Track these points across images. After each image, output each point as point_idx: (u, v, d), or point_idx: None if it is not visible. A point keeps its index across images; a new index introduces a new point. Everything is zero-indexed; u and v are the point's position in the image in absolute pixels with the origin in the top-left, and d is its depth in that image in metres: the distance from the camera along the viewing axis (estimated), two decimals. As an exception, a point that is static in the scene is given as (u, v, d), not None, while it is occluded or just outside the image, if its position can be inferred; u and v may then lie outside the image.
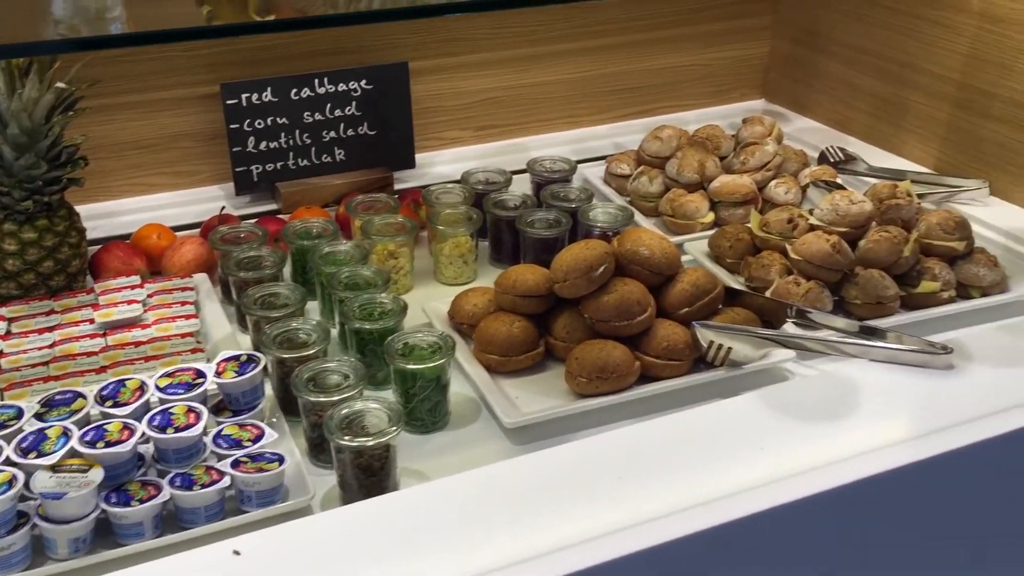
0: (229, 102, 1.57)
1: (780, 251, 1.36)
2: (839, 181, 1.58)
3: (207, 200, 1.63)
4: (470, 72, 1.79)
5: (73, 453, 0.96)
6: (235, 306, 1.35)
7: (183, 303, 1.32)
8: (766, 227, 1.40)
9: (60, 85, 1.27)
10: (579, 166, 1.69)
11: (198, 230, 1.52)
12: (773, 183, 1.56)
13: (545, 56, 1.84)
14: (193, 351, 1.22)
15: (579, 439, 1.07)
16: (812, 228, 1.36)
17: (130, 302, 1.30)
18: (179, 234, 1.50)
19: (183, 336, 1.25)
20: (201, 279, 1.40)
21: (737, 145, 1.65)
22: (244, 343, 1.29)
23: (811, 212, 1.40)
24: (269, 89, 1.59)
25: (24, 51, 1.22)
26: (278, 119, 1.61)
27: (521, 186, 1.62)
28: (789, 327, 1.24)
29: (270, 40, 1.62)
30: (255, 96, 1.58)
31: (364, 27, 1.67)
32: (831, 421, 1.05)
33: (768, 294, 1.30)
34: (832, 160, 1.71)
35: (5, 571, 0.90)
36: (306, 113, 1.62)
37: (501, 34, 1.79)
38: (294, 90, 1.60)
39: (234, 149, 1.59)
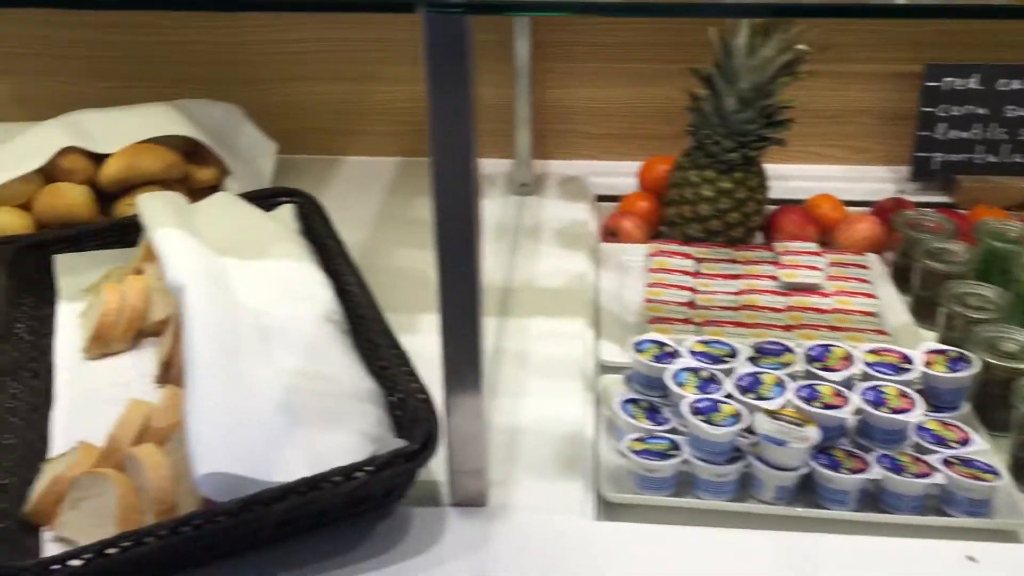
0: (929, 84, 1.50)
1: None
2: None
3: (874, 179, 1.58)
4: None
5: (788, 404, 0.99)
6: (912, 295, 1.29)
7: (860, 280, 1.31)
8: None
9: (800, 47, 1.30)
10: None
11: (866, 208, 1.49)
12: None
13: None
14: (877, 332, 1.20)
15: None
16: None
17: (811, 268, 1.31)
18: (849, 210, 1.48)
19: (865, 314, 1.23)
20: (873, 259, 1.37)
21: None
22: (923, 337, 1.23)
23: None
24: (976, 76, 1.49)
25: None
26: (976, 109, 1.50)
27: None
28: None
29: (982, 24, 1.51)
30: (958, 81, 1.49)
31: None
32: None
33: None
34: None
35: (714, 496, 0.96)
36: (1009, 106, 1.50)
37: None
38: (1003, 80, 1.48)
39: (920, 133, 1.52)
